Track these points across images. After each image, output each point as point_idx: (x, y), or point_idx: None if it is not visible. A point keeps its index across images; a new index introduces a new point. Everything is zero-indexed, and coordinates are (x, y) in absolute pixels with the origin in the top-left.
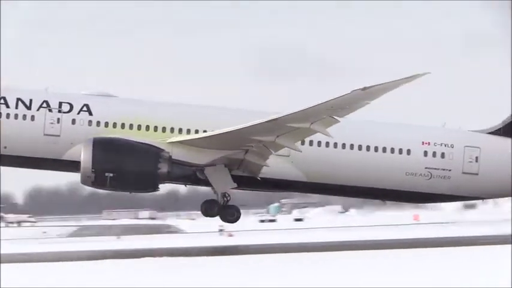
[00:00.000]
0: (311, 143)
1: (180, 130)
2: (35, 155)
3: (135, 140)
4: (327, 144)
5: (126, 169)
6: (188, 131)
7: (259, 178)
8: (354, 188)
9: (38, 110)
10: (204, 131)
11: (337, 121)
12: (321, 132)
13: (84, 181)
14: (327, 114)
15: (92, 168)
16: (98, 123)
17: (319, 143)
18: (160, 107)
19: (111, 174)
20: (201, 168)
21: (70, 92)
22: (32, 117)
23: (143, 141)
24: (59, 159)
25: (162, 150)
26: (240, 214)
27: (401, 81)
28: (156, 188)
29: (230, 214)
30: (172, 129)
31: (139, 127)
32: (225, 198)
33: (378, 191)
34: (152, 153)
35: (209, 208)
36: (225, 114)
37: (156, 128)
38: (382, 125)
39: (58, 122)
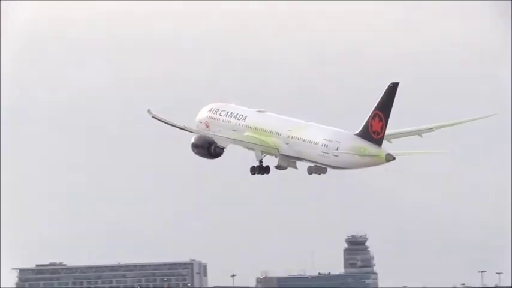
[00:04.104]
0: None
1: (263, 130)
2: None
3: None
4: (293, 137)
5: (198, 148)
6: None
7: (280, 153)
8: (301, 158)
9: (232, 118)
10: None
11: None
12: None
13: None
14: None
15: (192, 147)
16: (246, 126)
17: (292, 137)
18: (261, 116)
19: (196, 150)
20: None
21: (247, 109)
22: (229, 122)
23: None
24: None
25: (213, 141)
26: (265, 171)
27: None
28: (213, 157)
29: (258, 170)
30: (260, 129)
31: (253, 128)
32: (260, 163)
33: (311, 162)
34: (210, 141)
35: (252, 169)
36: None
37: (257, 129)
38: (313, 127)
39: (237, 125)
